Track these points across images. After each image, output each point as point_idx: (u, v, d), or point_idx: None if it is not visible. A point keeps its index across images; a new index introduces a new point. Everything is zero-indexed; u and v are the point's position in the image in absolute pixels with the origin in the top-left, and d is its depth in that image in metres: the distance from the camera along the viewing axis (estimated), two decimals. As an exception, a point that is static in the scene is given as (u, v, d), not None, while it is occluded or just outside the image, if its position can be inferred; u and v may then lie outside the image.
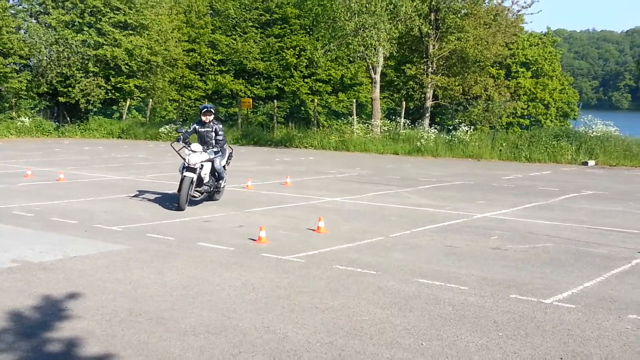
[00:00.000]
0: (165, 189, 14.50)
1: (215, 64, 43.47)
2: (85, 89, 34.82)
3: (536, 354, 5.03)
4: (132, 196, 13.25)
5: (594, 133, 23.78)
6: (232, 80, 43.23)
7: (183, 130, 12.58)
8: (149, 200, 12.77)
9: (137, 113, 37.76)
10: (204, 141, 12.22)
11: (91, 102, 35.11)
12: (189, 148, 11.88)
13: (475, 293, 6.67)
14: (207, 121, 12.21)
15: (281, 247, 8.68)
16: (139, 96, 37.26)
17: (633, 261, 8.17)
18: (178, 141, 12.35)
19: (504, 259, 8.27)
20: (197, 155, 11.82)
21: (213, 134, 12.19)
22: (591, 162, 22.44)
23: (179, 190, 11.63)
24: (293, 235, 9.53)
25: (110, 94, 36.01)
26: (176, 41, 38.58)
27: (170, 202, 12.46)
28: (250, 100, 36.61)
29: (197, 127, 12.30)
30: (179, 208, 11.51)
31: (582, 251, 8.75)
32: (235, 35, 43.55)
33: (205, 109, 12.31)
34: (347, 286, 6.86)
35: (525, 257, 8.36)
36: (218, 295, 6.49)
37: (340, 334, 5.39)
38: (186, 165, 11.73)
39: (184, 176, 11.62)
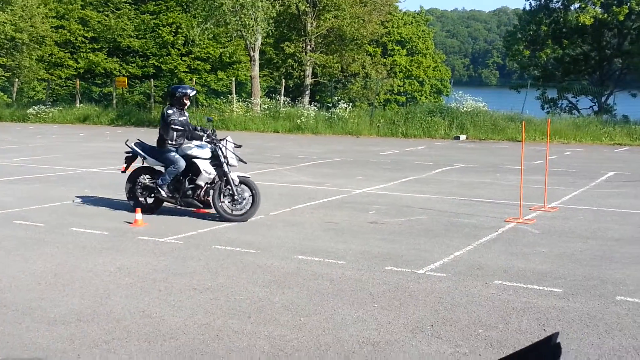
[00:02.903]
0: (32, 173, 13.76)
1: (87, 41, 41.53)
2: (-57, 69, 32.37)
3: (409, 322, 5.20)
4: (-3, 182, 12.49)
5: (465, 109, 24.80)
6: (106, 59, 41.48)
7: (193, 126, 9.55)
8: (16, 184, 12.08)
9: (2, 93, 35.53)
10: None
11: (-50, 82, 32.71)
12: (227, 142, 9.28)
13: (353, 267, 6.80)
14: (185, 107, 9.69)
15: (159, 229, 8.48)
16: (3, 76, 35.07)
17: (499, 229, 8.61)
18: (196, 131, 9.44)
19: (381, 232, 8.48)
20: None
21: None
22: (462, 137, 23.42)
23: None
24: (171, 217, 9.33)
25: (-29, 74, 33.69)
26: (43, 17, 36.52)
27: (40, 186, 11.84)
28: (126, 79, 35.33)
29: (178, 115, 9.43)
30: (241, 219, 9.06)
31: (454, 222, 9.13)
32: (107, 11, 41.78)
33: (194, 91, 9.88)
34: (226, 266, 6.80)
35: (401, 230, 8.61)
36: (91, 281, 6.25)
37: (218, 315, 5.34)
38: (231, 164, 9.20)
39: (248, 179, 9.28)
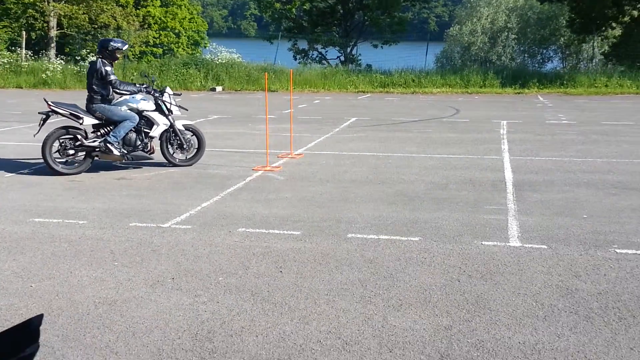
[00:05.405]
0: None
1: None
2: None
3: (149, 277, 5.13)
4: None
5: (220, 60, 24.85)
6: None
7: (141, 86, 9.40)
8: None
9: None
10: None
11: None
12: (167, 93, 9.57)
13: (95, 226, 6.54)
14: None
15: None
16: None
17: (247, 178, 8.81)
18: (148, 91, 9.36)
19: (128, 188, 8.25)
20: None
21: None
22: (219, 88, 23.51)
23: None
24: None
25: None
26: None
27: None
28: None
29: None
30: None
31: (204, 173, 9.15)
32: None
33: (126, 45, 9.62)
34: (-53, 237, 6.17)
35: (149, 185, 8.45)
36: None
37: None
38: (175, 113, 9.61)
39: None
